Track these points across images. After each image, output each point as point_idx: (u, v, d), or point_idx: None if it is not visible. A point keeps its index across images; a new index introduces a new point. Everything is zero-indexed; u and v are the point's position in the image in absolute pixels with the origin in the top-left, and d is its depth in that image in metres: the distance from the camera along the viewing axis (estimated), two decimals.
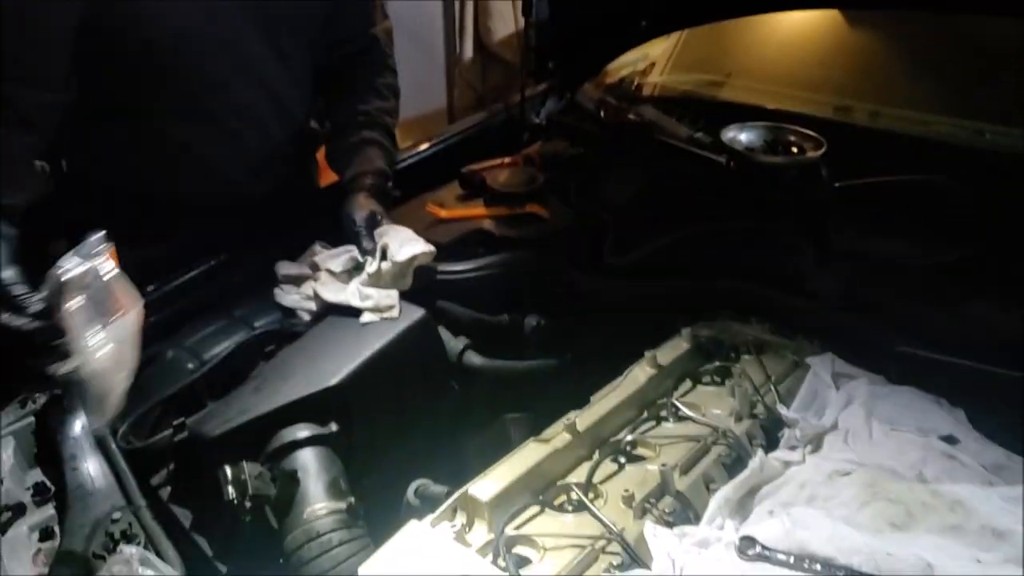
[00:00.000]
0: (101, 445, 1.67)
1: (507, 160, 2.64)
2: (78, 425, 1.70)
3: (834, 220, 2.06)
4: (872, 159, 2.11)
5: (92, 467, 1.64)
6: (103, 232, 1.55)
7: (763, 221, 2.14)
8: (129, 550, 1.37)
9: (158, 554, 1.42)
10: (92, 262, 1.52)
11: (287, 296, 2.05)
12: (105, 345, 1.48)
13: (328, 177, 2.48)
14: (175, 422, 1.69)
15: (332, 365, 1.75)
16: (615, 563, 1.26)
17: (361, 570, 1.24)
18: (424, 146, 2.90)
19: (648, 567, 1.23)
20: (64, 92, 1.91)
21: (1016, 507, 1.31)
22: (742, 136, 2.20)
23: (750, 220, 2.16)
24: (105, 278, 1.53)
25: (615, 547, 1.29)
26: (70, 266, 1.51)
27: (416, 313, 1.91)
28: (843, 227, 2.04)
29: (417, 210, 2.44)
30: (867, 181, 2.04)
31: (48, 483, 1.61)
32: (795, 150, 2.16)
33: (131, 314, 1.54)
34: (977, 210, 1.91)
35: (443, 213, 2.42)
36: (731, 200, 2.23)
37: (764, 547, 1.20)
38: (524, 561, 1.28)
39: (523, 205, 2.41)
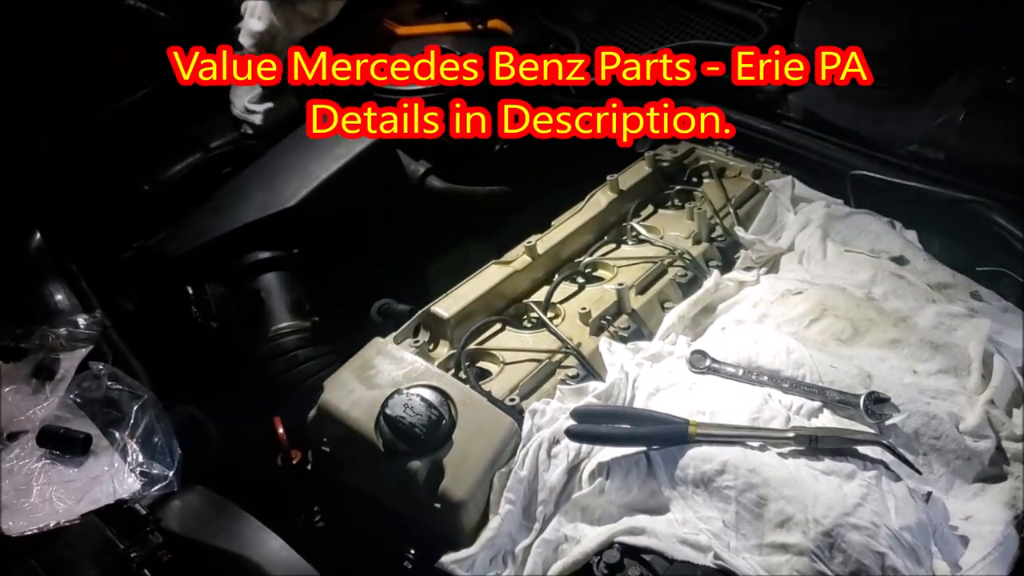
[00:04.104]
0: (63, 266, 1.65)
1: None
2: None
3: None
4: None
5: (56, 288, 1.63)
6: None
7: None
8: (97, 366, 1.39)
9: (126, 370, 1.44)
10: None
11: (239, 100, 1.98)
12: None
13: None
14: (135, 243, 1.68)
15: (290, 187, 1.72)
16: (571, 375, 1.31)
17: (327, 384, 1.28)
18: None
19: (602, 379, 1.28)
20: None
21: (953, 322, 1.37)
22: None
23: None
24: None
25: (571, 361, 1.33)
26: None
27: None
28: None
29: (372, 26, 2.31)
30: None
31: None
32: None
33: None
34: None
35: (400, 30, 2.28)
36: None
37: (714, 360, 1.25)
38: (484, 374, 1.33)
39: (486, 20, 2.29)
